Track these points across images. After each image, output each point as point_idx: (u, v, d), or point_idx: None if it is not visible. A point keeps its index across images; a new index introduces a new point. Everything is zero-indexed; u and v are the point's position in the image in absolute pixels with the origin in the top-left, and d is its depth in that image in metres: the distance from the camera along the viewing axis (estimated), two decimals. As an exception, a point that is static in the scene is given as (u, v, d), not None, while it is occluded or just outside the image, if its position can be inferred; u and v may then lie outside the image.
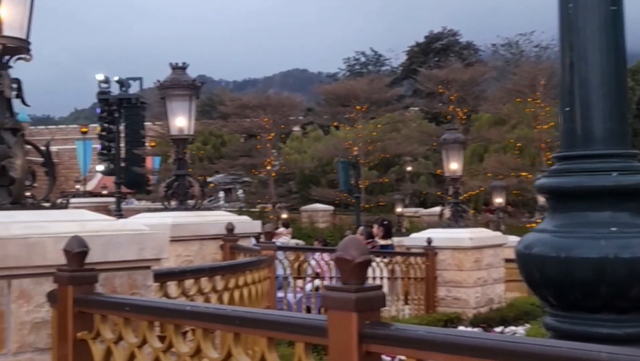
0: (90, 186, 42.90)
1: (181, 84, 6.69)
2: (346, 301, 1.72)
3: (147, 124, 29.79)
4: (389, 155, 29.60)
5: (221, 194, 35.21)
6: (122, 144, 26.45)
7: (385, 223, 11.61)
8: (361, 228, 14.12)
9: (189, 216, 6.60)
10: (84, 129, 32.45)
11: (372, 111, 30.41)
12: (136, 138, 26.93)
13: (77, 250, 2.60)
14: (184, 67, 6.78)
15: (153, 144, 32.05)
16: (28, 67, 3.31)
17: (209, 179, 31.49)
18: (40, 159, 3.27)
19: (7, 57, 3.17)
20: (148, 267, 3.14)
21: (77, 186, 38.94)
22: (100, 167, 29.17)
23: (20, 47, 3.19)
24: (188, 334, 3.21)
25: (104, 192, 37.48)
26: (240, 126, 31.09)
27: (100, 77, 25.53)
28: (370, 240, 11.09)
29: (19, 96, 3.23)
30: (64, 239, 2.75)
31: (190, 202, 6.86)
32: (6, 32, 3.12)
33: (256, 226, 7.34)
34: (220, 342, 3.44)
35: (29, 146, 3.21)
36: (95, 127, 30.81)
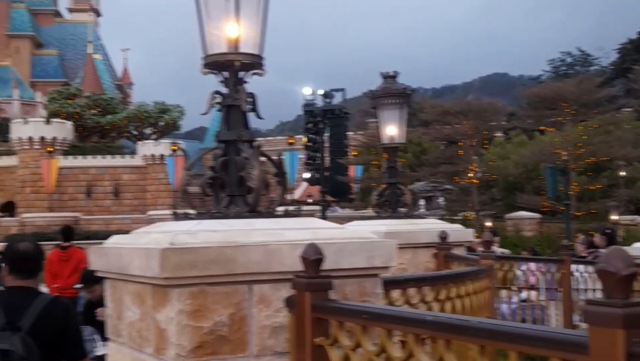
0: (297, 194, 44.80)
1: (392, 92, 6.74)
2: (612, 317, 1.60)
3: (349, 133, 30.57)
4: (600, 159, 28.04)
5: (422, 202, 35.20)
6: (327, 154, 27.26)
7: (608, 231, 10.94)
8: (582, 237, 13.41)
9: (401, 224, 6.62)
10: (290, 141, 33.93)
11: (581, 114, 28.99)
12: (339, 148, 27.66)
13: (313, 257, 2.67)
14: (394, 76, 6.83)
15: (355, 153, 32.78)
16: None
17: (410, 187, 31.58)
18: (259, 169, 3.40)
19: (242, 72, 3.35)
20: (376, 275, 3.16)
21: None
22: (306, 176, 30.29)
23: (255, 63, 3.35)
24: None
25: (309, 200, 38.88)
26: (441, 133, 30.91)
27: (307, 91, 26.58)
28: (592, 250, 10.50)
29: (254, 109, 3.40)
30: (299, 247, 2.85)
31: (402, 210, 6.89)
32: (242, 49, 3.29)
33: (468, 234, 7.22)
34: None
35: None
36: (301, 138, 32.08)
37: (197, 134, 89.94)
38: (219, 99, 3.34)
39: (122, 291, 3.24)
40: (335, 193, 29.84)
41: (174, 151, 42.62)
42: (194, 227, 2.99)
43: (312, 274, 2.68)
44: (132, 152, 47.64)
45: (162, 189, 45.68)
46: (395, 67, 6.80)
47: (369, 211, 32.51)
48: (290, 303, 2.84)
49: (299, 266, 2.74)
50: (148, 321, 2.98)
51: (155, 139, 48.75)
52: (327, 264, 2.73)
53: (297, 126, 74.01)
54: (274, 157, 3.42)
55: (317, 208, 31.38)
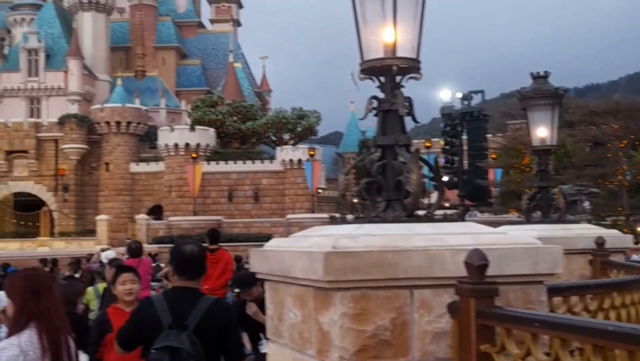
0: (434, 198, 44.28)
1: (543, 93, 6.53)
2: None
3: (489, 136, 29.90)
4: None
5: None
6: (465, 157, 26.78)
7: None
8: None
9: (553, 229, 6.39)
10: (427, 144, 33.65)
11: None
12: (478, 151, 27.04)
13: (478, 263, 2.62)
14: (545, 76, 6.61)
15: (494, 156, 32.02)
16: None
17: (554, 190, 30.50)
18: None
19: (399, 76, 3.34)
20: (541, 282, 3.06)
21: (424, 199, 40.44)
22: (444, 179, 29.87)
23: (412, 67, 3.34)
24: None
25: (447, 204, 38.36)
26: (587, 134, 29.66)
27: (445, 93, 26.27)
28: None
29: (410, 113, 3.38)
30: (460, 252, 2.81)
31: (554, 215, 6.64)
32: (399, 54, 3.29)
33: (627, 240, 6.86)
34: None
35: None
36: (438, 142, 31.73)
37: (332, 139, 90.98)
38: (375, 104, 3.36)
39: (283, 293, 3.31)
40: (473, 197, 29.26)
41: (312, 155, 43.34)
42: (354, 231, 3.01)
43: (477, 280, 2.63)
44: (271, 158, 48.87)
45: (300, 193, 46.54)
46: (534, 66, 6.60)
47: (510, 216, 31.64)
48: (453, 308, 2.80)
49: (460, 272, 2.70)
50: (310, 323, 3.03)
51: (293, 145, 49.77)
52: (490, 270, 2.67)
53: (432, 129, 73.20)
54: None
55: (455, 212, 30.87)
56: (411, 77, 3.38)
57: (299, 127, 51.84)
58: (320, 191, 50.05)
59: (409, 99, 3.35)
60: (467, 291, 2.66)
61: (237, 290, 8.06)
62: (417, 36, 3.37)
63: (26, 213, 46.72)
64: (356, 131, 65.81)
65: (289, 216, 43.17)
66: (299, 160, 46.62)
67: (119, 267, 6.27)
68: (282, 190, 47.52)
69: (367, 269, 2.81)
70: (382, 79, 3.36)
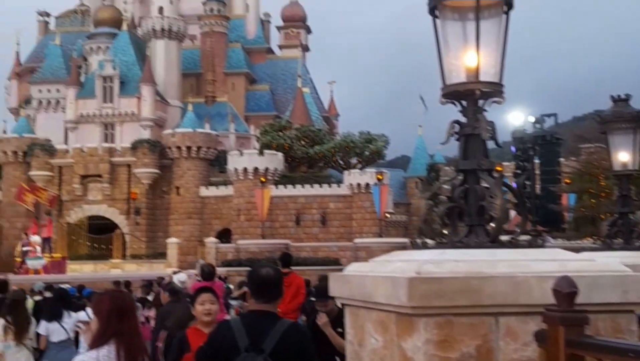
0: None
1: (624, 116, 6.37)
2: None
3: (561, 160, 29.32)
4: None
5: None
6: (537, 182, 26.34)
7: None
8: None
9: (636, 257, 6.19)
10: (498, 168, 33.21)
11: None
12: (551, 175, 26.59)
13: (567, 290, 2.55)
14: (626, 99, 6.45)
15: (567, 181, 31.34)
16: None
17: (636, 216, 29.60)
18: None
19: (482, 100, 3.32)
20: (632, 311, 2.97)
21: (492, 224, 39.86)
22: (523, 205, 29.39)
23: (495, 91, 3.31)
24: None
25: (517, 229, 37.75)
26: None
27: (517, 117, 25.96)
28: None
29: (493, 137, 3.35)
30: (547, 279, 2.75)
31: (637, 242, 6.44)
32: (482, 77, 3.27)
33: None
34: None
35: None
36: (509, 165, 31.27)
37: (399, 163, 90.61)
38: (457, 128, 3.34)
39: (364, 318, 3.30)
40: (546, 222, 28.69)
41: (379, 180, 43.24)
42: (438, 257, 2.99)
43: (566, 308, 2.56)
44: (339, 182, 48.98)
45: (368, 217, 46.43)
46: (609, 88, 6.44)
47: (585, 242, 30.83)
48: (540, 337, 2.74)
49: (547, 299, 2.64)
50: (392, 349, 3.01)
51: (361, 168, 49.79)
52: (578, 298, 2.61)
53: (503, 153, 71.98)
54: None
55: (526, 237, 30.28)
56: (494, 102, 3.36)
57: (367, 151, 51.85)
58: (387, 215, 49.82)
59: (491, 123, 3.32)
60: (555, 319, 2.59)
61: (313, 299, 8.09)
62: (500, 60, 3.35)
63: (100, 235, 47.98)
64: (424, 155, 65.45)
65: (357, 240, 43.09)
66: (367, 184, 46.58)
67: (199, 288, 6.35)
68: (349, 214, 47.51)
69: (451, 295, 2.78)
70: (464, 103, 3.34)
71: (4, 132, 56.55)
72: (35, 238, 34.77)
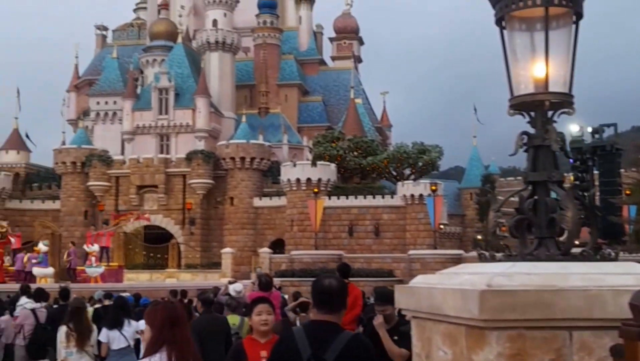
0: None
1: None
2: None
3: (622, 171, 28.60)
4: None
5: None
6: (597, 193, 25.77)
7: None
8: None
9: None
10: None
11: None
12: (611, 186, 25.93)
13: (645, 305, 2.50)
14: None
15: (628, 192, 30.62)
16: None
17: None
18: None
19: (551, 111, 3.28)
20: None
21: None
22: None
23: (564, 102, 3.27)
24: None
25: (576, 242, 37.04)
26: None
27: (575, 128, 25.42)
28: None
29: (562, 149, 3.31)
30: (622, 293, 2.70)
31: None
32: (551, 88, 3.23)
33: None
34: None
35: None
36: (567, 177, 30.70)
37: (452, 174, 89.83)
38: (526, 139, 3.30)
39: (431, 330, 3.28)
40: (606, 235, 28.03)
41: (433, 191, 42.92)
42: (509, 269, 2.96)
43: (644, 323, 2.51)
44: (392, 193, 48.79)
45: (422, 228, 46.12)
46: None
47: (646, 255, 30.00)
48: (617, 352, 2.68)
49: (623, 314, 2.58)
50: (462, 362, 2.98)
51: (414, 179, 49.51)
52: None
53: (560, 164, 70.61)
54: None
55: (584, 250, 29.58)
56: (563, 112, 3.32)
57: (420, 162, 51.56)
58: (442, 226, 49.38)
59: (561, 135, 3.28)
60: (633, 334, 2.53)
61: (371, 301, 8.10)
62: (570, 70, 3.31)
63: (155, 245, 48.72)
64: (478, 166, 64.73)
65: (411, 251, 42.81)
66: (420, 195, 46.29)
67: (256, 299, 6.39)
68: (403, 225, 47.26)
69: (524, 308, 2.75)
70: (533, 114, 3.31)
71: (63, 143, 58.00)
72: (94, 248, 35.46)
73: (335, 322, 4.48)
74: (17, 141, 59.53)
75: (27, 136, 60.81)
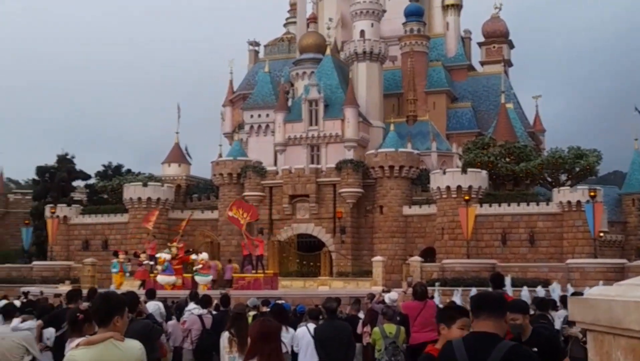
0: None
1: None
2: None
3: None
4: None
5: None
6: None
7: None
8: None
9: None
10: None
11: None
12: None
13: None
14: None
15: None
16: None
17: None
18: None
19: None
20: None
21: None
22: None
23: None
24: None
25: None
26: None
27: None
28: None
29: None
30: None
31: None
32: None
33: None
34: None
35: None
36: None
37: (611, 179, 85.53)
38: None
39: (610, 344, 3.11)
40: None
41: (592, 197, 40.97)
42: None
43: None
44: (547, 199, 47.06)
45: (580, 236, 44.14)
46: None
47: None
48: None
49: None
50: (647, 379, 2.80)
51: (571, 185, 47.49)
52: None
53: None
54: None
55: None
56: None
57: (577, 167, 49.41)
58: (602, 234, 47.02)
59: None
60: None
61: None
62: None
63: (308, 253, 49.68)
64: (640, 170, 61.28)
65: (569, 260, 41.07)
66: (578, 202, 44.34)
67: (456, 310, 6.18)
68: (559, 233, 45.44)
69: None
70: None
71: (220, 155, 60.59)
72: (204, 255, 36.78)
73: (495, 333, 4.39)
74: (178, 155, 62.82)
75: (186, 150, 64.03)
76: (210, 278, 35.98)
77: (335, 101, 56.94)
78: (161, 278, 34.49)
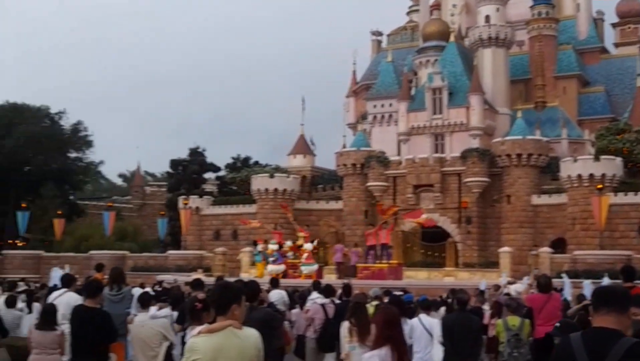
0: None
1: None
2: None
3: None
4: None
5: None
6: None
7: None
8: None
9: None
10: None
11: None
12: None
13: None
14: None
15: None
16: None
17: None
18: None
19: None
20: None
21: None
22: None
23: None
24: None
25: None
26: None
27: None
28: None
29: None
30: None
31: None
32: None
33: None
34: None
35: None
36: None
37: None
38: None
39: None
40: None
41: None
42: None
43: None
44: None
45: None
46: None
47: None
48: None
49: None
50: None
51: None
52: None
53: None
54: None
55: None
56: None
57: None
58: None
59: None
60: None
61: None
62: None
63: (432, 243, 49.24)
64: None
65: None
66: None
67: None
68: None
69: None
70: None
71: (344, 146, 61.06)
72: (307, 246, 37.64)
73: (616, 328, 4.22)
74: (303, 146, 63.82)
75: (311, 141, 64.95)
76: (316, 267, 36.96)
77: (460, 88, 56.01)
78: (271, 268, 35.80)
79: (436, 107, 56.17)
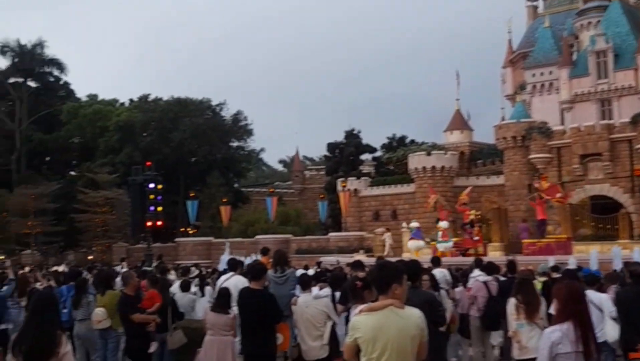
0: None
1: None
2: None
3: None
4: None
5: None
6: None
7: None
8: None
9: None
10: None
11: None
12: None
13: None
14: None
15: None
16: None
17: None
18: None
19: None
20: None
21: None
22: None
23: None
24: None
25: None
26: None
27: None
28: None
29: None
30: None
31: None
32: None
33: None
34: None
35: None
36: None
37: None
38: None
39: None
40: None
41: None
42: None
43: None
44: None
45: None
46: None
47: None
48: None
49: None
50: None
51: None
52: None
53: None
54: None
55: None
56: None
57: None
58: None
59: None
60: None
61: None
62: None
63: (603, 215, 46.71)
64: None
65: None
66: None
67: None
68: None
69: None
70: None
71: (503, 118, 59.21)
72: (443, 224, 37.79)
73: None
74: (459, 122, 62.52)
75: (468, 116, 63.55)
76: (451, 244, 37.33)
77: (626, 49, 52.58)
78: (411, 244, 36.96)
79: (601, 72, 53.18)
